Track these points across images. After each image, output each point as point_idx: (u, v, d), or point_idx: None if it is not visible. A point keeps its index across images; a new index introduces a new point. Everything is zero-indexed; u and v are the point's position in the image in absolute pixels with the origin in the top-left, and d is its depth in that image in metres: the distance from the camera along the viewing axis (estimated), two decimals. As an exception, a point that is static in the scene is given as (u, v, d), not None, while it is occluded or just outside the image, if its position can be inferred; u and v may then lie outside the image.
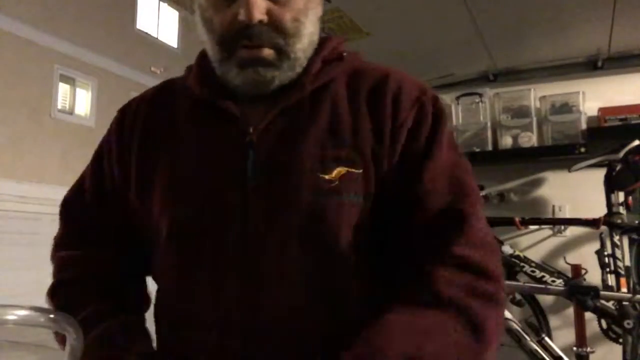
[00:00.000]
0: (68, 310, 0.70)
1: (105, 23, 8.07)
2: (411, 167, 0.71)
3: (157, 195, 0.75)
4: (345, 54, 0.78)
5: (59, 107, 7.63)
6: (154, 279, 0.80)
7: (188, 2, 9.51)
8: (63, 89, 7.72)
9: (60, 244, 0.83)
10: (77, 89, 7.91)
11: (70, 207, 0.85)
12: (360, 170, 0.70)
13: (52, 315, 0.48)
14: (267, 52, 0.70)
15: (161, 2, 9.36)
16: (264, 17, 0.68)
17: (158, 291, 0.79)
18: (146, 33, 8.86)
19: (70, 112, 7.81)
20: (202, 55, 0.80)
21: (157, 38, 8.95)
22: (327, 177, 0.68)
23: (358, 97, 0.74)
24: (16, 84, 6.89)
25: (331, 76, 0.75)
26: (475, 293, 0.65)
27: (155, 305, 0.79)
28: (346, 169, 0.69)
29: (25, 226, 7.12)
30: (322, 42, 0.78)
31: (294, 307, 0.68)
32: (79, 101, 7.95)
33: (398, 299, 0.65)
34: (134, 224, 0.79)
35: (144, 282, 0.85)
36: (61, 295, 0.77)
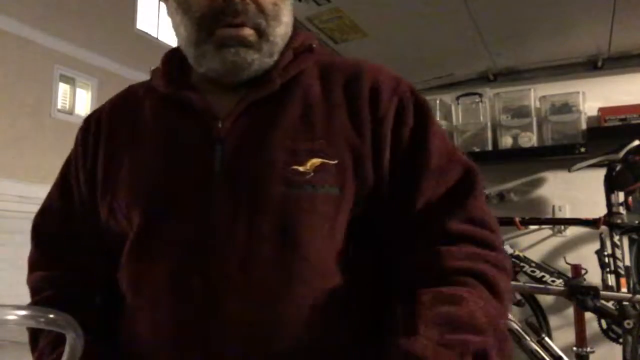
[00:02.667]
0: (38, 334, 0.73)
1: (105, 23, 8.07)
2: (406, 156, 0.69)
3: (122, 201, 0.72)
4: (314, 45, 0.76)
5: (59, 107, 7.63)
6: (122, 292, 0.74)
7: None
8: (63, 89, 7.72)
9: (34, 266, 0.80)
10: (77, 89, 7.91)
11: (40, 227, 0.82)
12: (335, 162, 0.67)
13: (52, 315, 0.48)
14: (249, 32, 0.68)
15: (161, 2, 9.35)
16: None
17: (124, 305, 0.73)
18: (146, 33, 8.86)
19: (70, 112, 7.82)
20: (168, 55, 0.80)
21: (157, 38, 8.95)
22: (301, 168, 0.65)
23: (333, 88, 0.72)
24: (16, 84, 6.89)
25: (301, 67, 0.73)
26: (481, 259, 0.65)
27: (121, 319, 0.74)
28: (320, 160, 0.66)
29: (25, 226, 7.08)
30: (292, 36, 0.76)
31: (263, 320, 0.63)
32: (79, 101, 7.95)
33: (408, 288, 0.63)
34: (105, 236, 0.76)
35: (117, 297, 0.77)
36: None
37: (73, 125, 8.03)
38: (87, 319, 0.69)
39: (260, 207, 0.65)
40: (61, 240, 0.79)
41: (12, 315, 0.44)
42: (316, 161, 0.66)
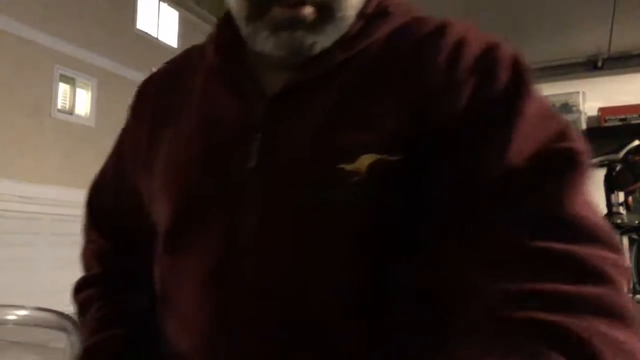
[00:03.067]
0: (87, 309, 0.68)
1: (105, 23, 8.07)
2: (477, 137, 0.50)
3: (156, 184, 0.63)
4: (390, 8, 0.59)
5: (59, 107, 7.63)
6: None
7: (188, 2, 9.52)
8: (63, 89, 7.72)
9: (88, 237, 0.75)
10: (77, 89, 7.91)
11: (93, 201, 0.75)
12: (398, 158, 0.51)
13: (52, 315, 0.48)
14: (308, 11, 0.54)
15: (161, 2, 9.36)
16: None
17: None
18: (146, 33, 8.87)
19: (70, 112, 7.82)
20: (224, 16, 0.67)
21: (157, 38, 8.96)
22: (347, 167, 0.51)
23: (400, 59, 0.55)
24: (16, 84, 6.89)
25: (373, 38, 0.57)
26: (581, 308, 0.39)
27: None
28: (377, 156, 0.51)
29: (25, 226, 7.12)
30: None
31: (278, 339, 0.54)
32: (79, 101, 7.96)
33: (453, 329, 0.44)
34: (147, 222, 0.67)
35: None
36: (82, 294, 0.70)
37: (73, 125, 8.04)
38: (131, 303, 0.67)
39: (287, 214, 0.53)
40: (112, 217, 0.73)
41: (12, 315, 0.45)
42: (370, 157, 0.51)
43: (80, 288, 0.70)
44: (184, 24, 9.40)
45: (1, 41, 6.77)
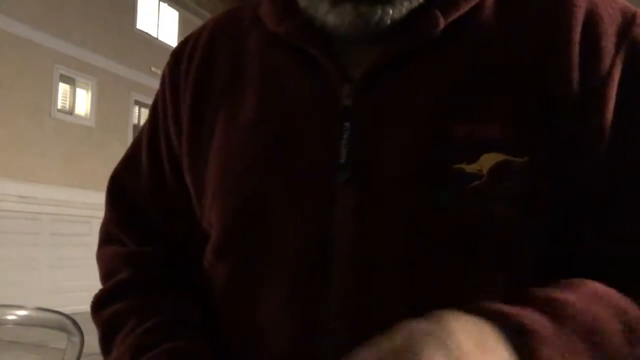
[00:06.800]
0: (118, 327, 0.53)
1: (105, 23, 8.08)
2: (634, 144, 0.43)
3: (209, 178, 0.52)
4: None
5: (59, 107, 7.64)
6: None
7: (188, 2, 9.53)
8: (63, 89, 7.74)
9: (107, 237, 0.61)
10: (77, 89, 7.93)
11: (121, 185, 0.61)
12: (525, 159, 0.42)
13: (52, 315, 0.48)
14: None
15: (161, 2, 9.36)
16: None
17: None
18: (146, 33, 8.87)
19: (70, 112, 7.83)
20: None
21: (157, 38, 8.96)
22: (467, 168, 0.43)
23: (520, 30, 0.46)
24: (16, 84, 6.90)
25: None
26: None
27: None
28: (502, 156, 0.43)
29: (25, 226, 7.13)
30: None
31: None
32: (79, 101, 7.97)
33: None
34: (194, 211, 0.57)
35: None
36: (108, 309, 0.55)
37: (73, 125, 8.05)
38: (180, 314, 0.53)
39: (402, 227, 0.44)
40: (145, 206, 0.59)
41: (12, 315, 0.45)
42: (493, 157, 0.43)
43: (104, 303, 0.55)
44: (184, 24, 9.40)
45: (1, 41, 6.78)
